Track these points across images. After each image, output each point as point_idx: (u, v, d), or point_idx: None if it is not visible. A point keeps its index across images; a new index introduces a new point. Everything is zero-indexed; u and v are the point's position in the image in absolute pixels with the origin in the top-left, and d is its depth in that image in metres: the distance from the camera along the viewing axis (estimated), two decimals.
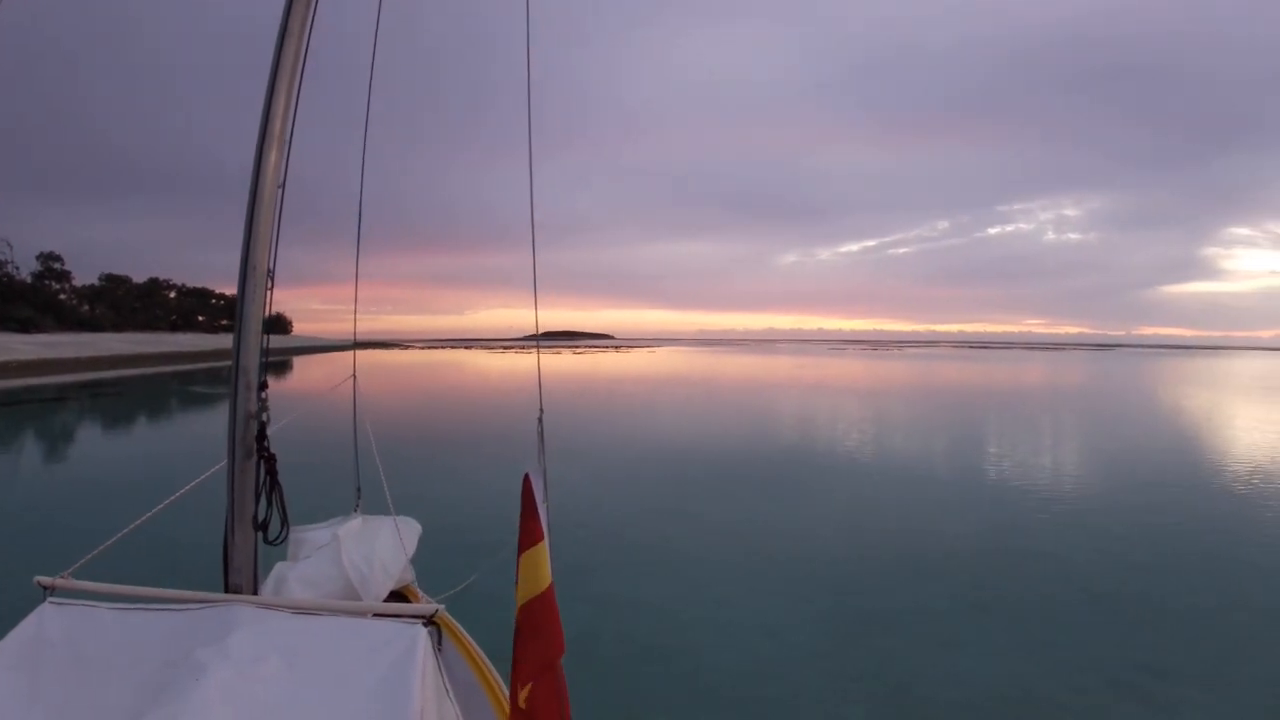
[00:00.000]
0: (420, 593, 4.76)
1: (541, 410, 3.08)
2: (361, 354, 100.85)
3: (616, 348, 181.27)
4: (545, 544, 3.05)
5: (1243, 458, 22.34)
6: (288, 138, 3.04)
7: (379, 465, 4.95)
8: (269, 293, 2.95)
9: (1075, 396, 46.78)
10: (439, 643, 4.18)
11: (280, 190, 3.01)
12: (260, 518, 3.05)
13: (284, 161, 3.02)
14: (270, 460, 3.03)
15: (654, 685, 7.23)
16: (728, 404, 37.28)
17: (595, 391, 44.03)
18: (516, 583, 3.00)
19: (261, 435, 2.97)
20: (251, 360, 2.93)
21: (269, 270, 2.92)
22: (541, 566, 3.00)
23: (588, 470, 18.09)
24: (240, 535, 3.03)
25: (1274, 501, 16.39)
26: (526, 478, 3.04)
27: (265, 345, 2.99)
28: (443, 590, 4.99)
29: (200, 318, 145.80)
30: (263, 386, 2.99)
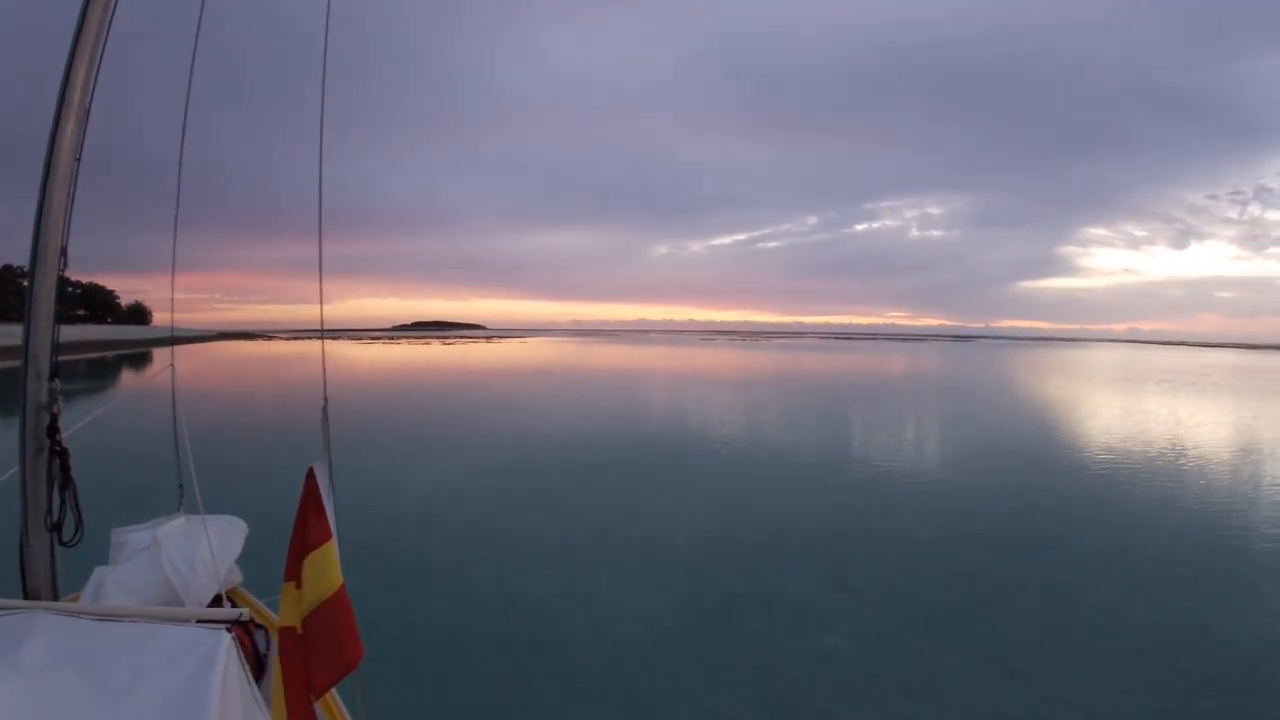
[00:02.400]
0: (249, 595, 4.52)
1: (326, 399, 2.92)
2: (210, 346, 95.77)
3: (488, 338, 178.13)
4: (333, 543, 2.86)
5: (1093, 442, 24.14)
6: (87, 109, 2.79)
7: (200, 462, 4.64)
8: (62, 274, 2.70)
9: (934, 385, 49.31)
10: (267, 647, 3.95)
11: (76, 163, 2.75)
12: (55, 517, 2.80)
13: (82, 134, 2.77)
14: (63, 455, 2.77)
15: (527, 681, 7.16)
16: (595, 394, 37.36)
17: (462, 383, 43.28)
18: (299, 586, 2.79)
19: (54, 428, 2.71)
20: (42, 346, 2.69)
21: (62, 249, 2.67)
22: (330, 567, 2.81)
23: (453, 462, 17.79)
24: (35, 537, 2.80)
25: (1123, 482, 17.81)
26: (310, 471, 2.86)
27: (56, 331, 2.72)
28: (275, 592, 4.76)
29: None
30: (54, 375, 2.73)
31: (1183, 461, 20.36)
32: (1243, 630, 8.80)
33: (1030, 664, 7.75)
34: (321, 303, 3.40)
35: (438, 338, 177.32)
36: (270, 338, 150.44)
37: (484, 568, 10.35)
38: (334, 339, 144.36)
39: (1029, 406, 36.03)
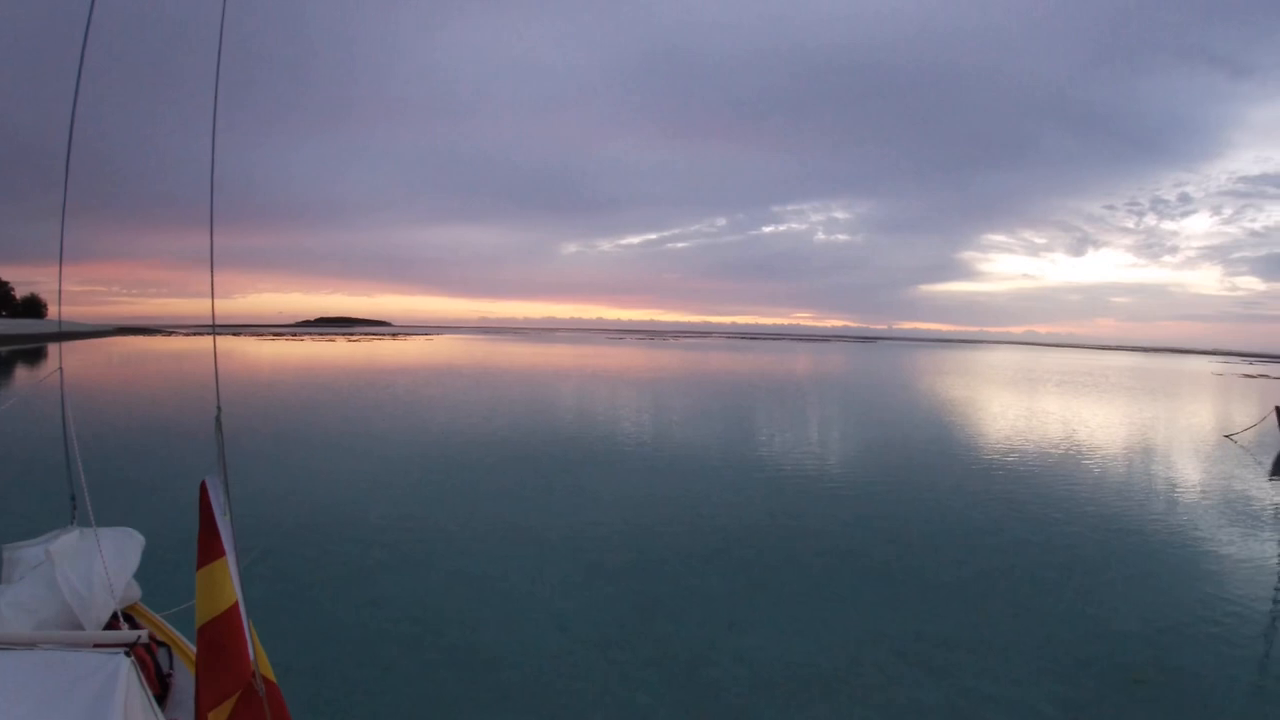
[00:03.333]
0: (148, 611, 4.25)
1: (219, 408, 2.72)
2: (106, 342, 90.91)
3: (394, 335, 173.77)
4: (227, 559, 2.69)
5: (995, 440, 25.12)
6: None
7: (93, 470, 4.34)
8: None
9: (841, 385, 50.50)
10: (169, 664, 3.71)
11: None
12: None
13: None
14: None
15: (445, 688, 7.00)
16: (505, 393, 36.89)
17: (369, 382, 42.10)
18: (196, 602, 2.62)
19: None
20: None
21: None
22: (223, 584, 2.67)
23: (360, 464, 17.32)
24: None
25: (1025, 478, 18.65)
26: (204, 485, 2.67)
27: None
28: (175, 604, 4.47)
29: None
30: None
31: (1080, 458, 21.40)
32: (1144, 619, 9.28)
33: (944, 657, 7.96)
34: (214, 306, 3.12)
35: (343, 334, 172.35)
36: (170, 333, 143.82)
37: (395, 572, 10.09)
38: (234, 335, 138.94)
39: (933, 405, 37.22)
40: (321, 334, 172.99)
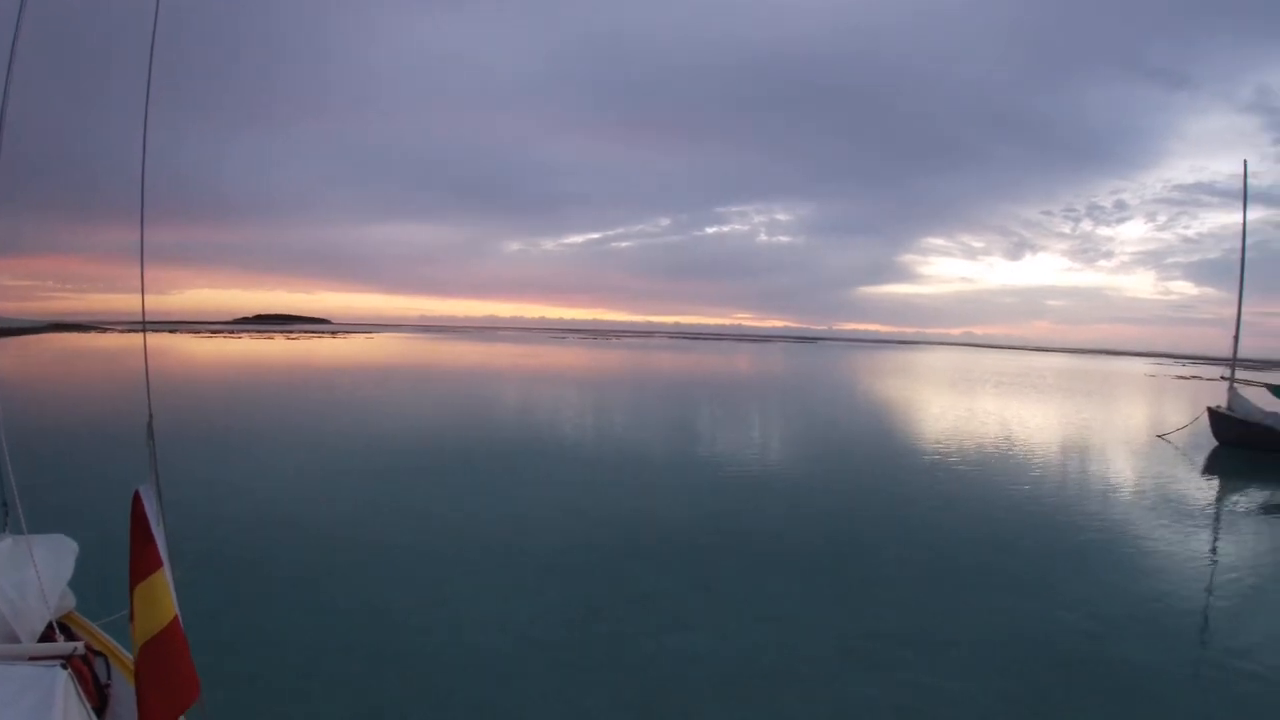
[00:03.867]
0: (84, 620, 4.10)
1: (150, 414, 2.61)
2: (40, 339, 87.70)
3: (334, 333, 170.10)
4: (165, 571, 2.60)
5: (934, 438, 25.61)
6: None
7: (24, 474, 4.13)
8: None
9: (782, 385, 51.06)
10: (107, 674, 3.60)
11: None
12: None
13: None
14: None
15: (389, 696, 6.84)
16: (448, 394, 36.53)
17: (308, 381, 41.31)
18: (132, 619, 2.51)
19: None
20: None
21: None
22: (162, 599, 2.58)
23: (300, 468, 16.95)
24: None
25: (964, 475, 19.10)
26: (137, 495, 2.57)
27: None
28: (111, 612, 4.29)
29: None
30: None
31: (1019, 457, 21.93)
32: (1084, 612, 9.53)
33: (889, 652, 8.06)
34: (144, 303, 2.98)
35: (281, 332, 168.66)
36: (104, 329, 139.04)
37: (338, 578, 9.86)
38: (170, 332, 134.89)
39: (873, 405, 37.88)
40: (260, 331, 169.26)
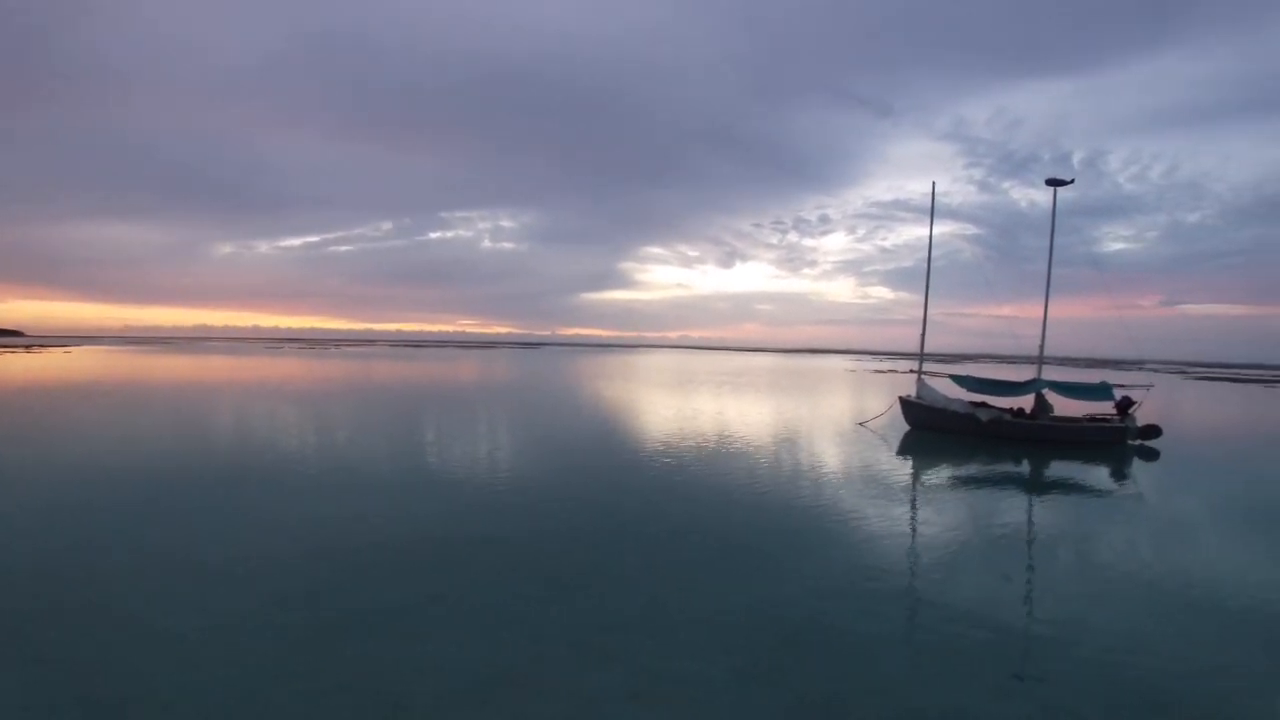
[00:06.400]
0: None
1: None
2: None
3: (27, 347, 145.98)
4: None
5: (648, 436, 26.73)
6: None
7: None
8: None
9: (508, 390, 50.94)
10: None
11: None
12: None
13: None
14: None
15: None
16: (153, 416, 32.44)
17: None
18: None
19: None
20: None
21: None
22: None
23: None
24: None
25: (677, 470, 20.03)
26: None
27: None
28: None
29: None
30: None
31: (734, 448, 23.54)
32: (800, 586, 10.32)
33: (620, 643, 8.27)
34: None
35: None
36: None
37: (48, 618, 8.63)
38: None
39: (596, 408, 38.74)
40: None
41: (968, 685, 7.48)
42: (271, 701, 6.87)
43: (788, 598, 9.84)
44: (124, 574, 10.33)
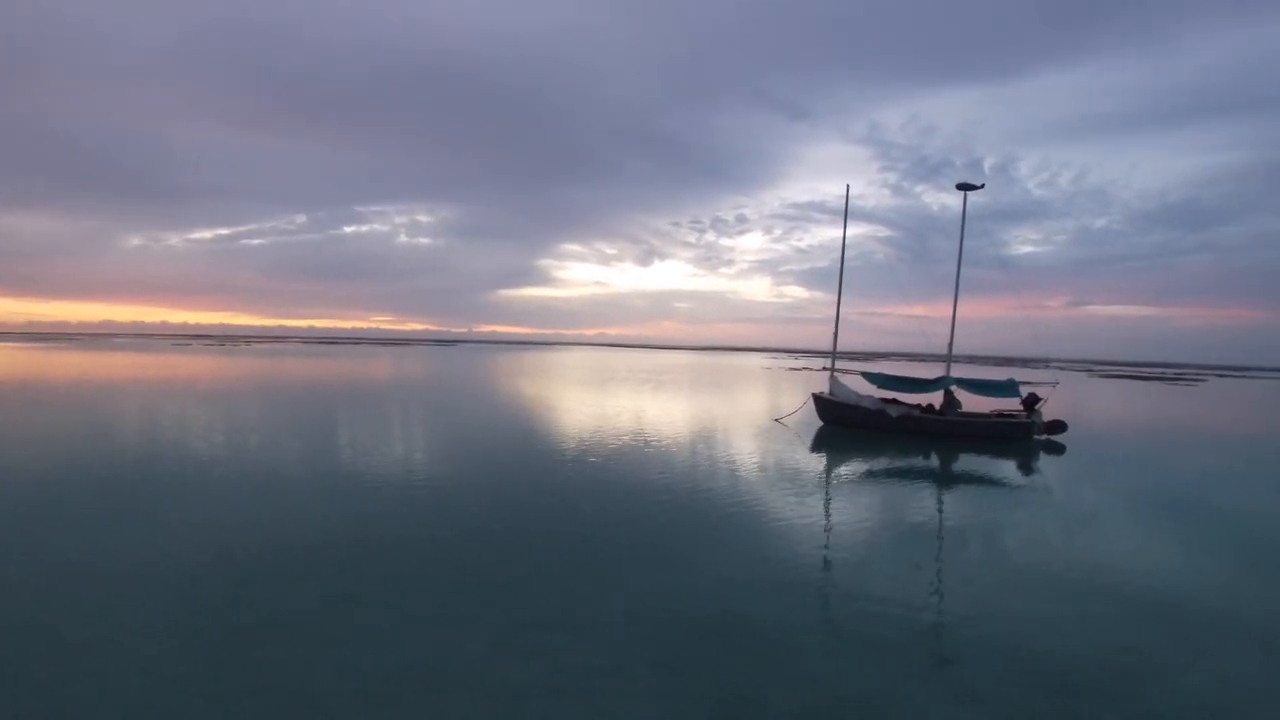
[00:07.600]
0: None
1: None
2: None
3: None
4: None
5: (564, 434, 26.51)
6: None
7: None
8: None
9: (423, 388, 49.81)
10: None
11: None
12: None
13: None
14: None
15: None
16: (53, 416, 30.54)
17: None
18: None
19: None
20: None
21: None
22: None
23: None
24: None
25: (602, 465, 19.91)
26: None
27: None
28: None
29: None
30: None
31: (651, 444, 23.66)
32: (715, 577, 10.40)
33: (539, 640, 8.22)
34: None
35: None
36: None
37: None
38: None
39: (515, 404, 38.42)
40: None
41: (884, 671, 7.68)
42: (185, 709, 6.62)
43: (706, 591, 9.92)
44: (25, 582, 9.74)
